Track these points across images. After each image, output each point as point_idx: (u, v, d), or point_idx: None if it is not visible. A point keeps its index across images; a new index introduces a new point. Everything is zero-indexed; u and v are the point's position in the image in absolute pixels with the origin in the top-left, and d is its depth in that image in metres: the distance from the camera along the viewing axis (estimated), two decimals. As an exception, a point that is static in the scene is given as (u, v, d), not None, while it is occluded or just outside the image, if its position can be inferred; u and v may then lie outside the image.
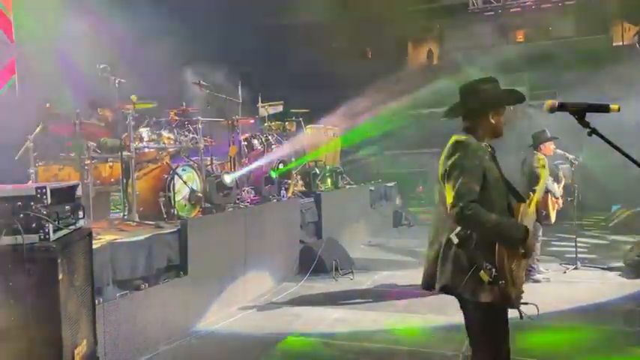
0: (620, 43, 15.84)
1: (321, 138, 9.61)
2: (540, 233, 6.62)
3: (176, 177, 5.93)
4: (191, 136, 6.68)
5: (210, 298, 5.56)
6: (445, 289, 2.75)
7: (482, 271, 2.59)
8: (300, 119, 9.08)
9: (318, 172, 9.01)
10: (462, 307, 2.83)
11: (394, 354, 4.62)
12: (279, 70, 13.26)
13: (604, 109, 2.52)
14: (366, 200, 10.60)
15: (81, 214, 3.30)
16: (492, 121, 2.85)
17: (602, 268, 7.18)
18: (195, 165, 6.39)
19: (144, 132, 6.13)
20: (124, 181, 5.79)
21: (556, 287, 6.40)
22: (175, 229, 5.30)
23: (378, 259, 8.41)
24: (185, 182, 6.05)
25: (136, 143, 5.91)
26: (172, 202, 5.83)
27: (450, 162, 2.71)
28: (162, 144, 6.30)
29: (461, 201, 2.58)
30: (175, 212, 5.83)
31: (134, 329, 4.50)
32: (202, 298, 5.44)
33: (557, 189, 6.67)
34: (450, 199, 2.64)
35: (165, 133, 6.40)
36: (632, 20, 16.48)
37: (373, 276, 7.22)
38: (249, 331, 5.26)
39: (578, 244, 7.34)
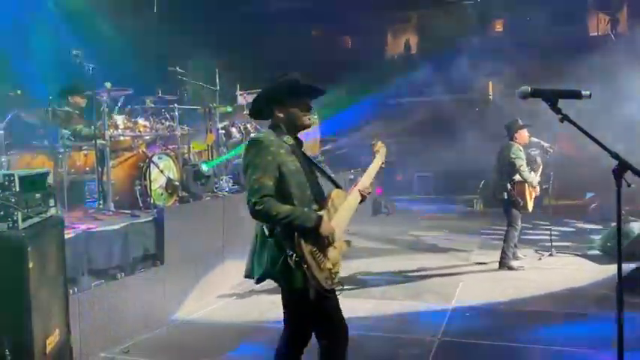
0: (596, 34, 16.05)
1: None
2: (519, 222, 6.71)
3: (152, 165, 5.85)
4: (167, 123, 6.60)
5: (188, 287, 5.53)
6: (262, 278, 2.89)
7: (288, 258, 2.73)
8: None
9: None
10: (282, 293, 3.00)
11: (370, 340, 4.65)
12: (258, 58, 13.14)
13: (576, 95, 2.55)
14: (345, 189, 10.57)
15: (52, 202, 3.24)
16: (281, 115, 2.93)
17: (576, 255, 7.32)
18: (172, 153, 6.32)
19: (119, 119, 6.03)
20: (99, 169, 5.70)
21: (531, 274, 6.51)
22: (152, 218, 5.26)
23: (356, 246, 8.41)
24: (161, 171, 5.98)
25: (111, 131, 5.81)
26: (148, 190, 5.76)
27: (245, 161, 2.84)
28: (137, 132, 6.21)
29: (253, 197, 2.70)
30: (152, 201, 5.76)
31: (110, 319, 4.45)
32: (180, 287, 5.41)
33: (534, 177, 6.75)
34: (246, 195, 2.77)
35: (141, 121, 6.30)
36: (607, 11, 16.69)
37: (350, 263, 7.23)
38: (227, 319, 5.25)
39: (553, 232, 7.47)
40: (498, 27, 19.48)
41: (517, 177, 6.56)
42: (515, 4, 15.76)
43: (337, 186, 3.12)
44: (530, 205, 6.72)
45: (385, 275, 6.50)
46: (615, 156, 2.49)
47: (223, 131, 7.58)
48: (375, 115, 14.92)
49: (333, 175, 3.08)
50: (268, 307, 5.52)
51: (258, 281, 2.91)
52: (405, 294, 5.70)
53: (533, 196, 6.78)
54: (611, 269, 6.41)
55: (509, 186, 6.55)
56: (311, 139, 9.93)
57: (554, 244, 7.37)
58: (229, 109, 7.95)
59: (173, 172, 6.15)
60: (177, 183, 6.14)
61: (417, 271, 6.63)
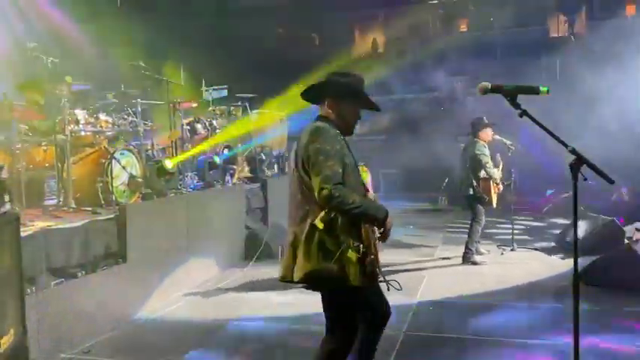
0: (556, 35, 16.48)
1: (268, 123, 9.51)
2: (483, 217, 6.84)
3: (114, 162, 5.73)
4: (130, 119, 6.47)
5: (152, 285, 5.44)
6: (308, 276, 2.72)
7: (350, 251, 2.67)
8: (246, 104, 8.94)
9: (264, 157, 8.93)
10: (325, 293, 2.93)
11: (337, 336, 4.67)
12: (224, 54, 13.01)
13: (534, 91, 2.61)
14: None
15: (7, 197, 3.13)
16: (331, 110, 2.92)
17: (537, 249, 7.51)
18: (135, 149, 6.20)
19: (80, 115, 5.87)
20: (59, 165, 5.54)
21: (493, 268, 6.64)
22: (113, 215, 5.14)
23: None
24: (124, 167, 5.86)
25: (72, 126, 5.66)
26: (110, 187, 5.64)
27: (311, 147, 2.73)
28: (99, 127, 6.06)
29: (328, 183, 2.61)
30: (114, 198, 5.64)
31: (70, 318, 4.33)
32: (143, 286, 5.31)
33: (499, 174, 6.90)
34: (317, 184, 2.65)
35: (102, 117, 6.15)
36: (567, 13, 17.15)
37: (318, 261, 7.25)
38: (192, 317, 5.18)
39: (515, 227, 7.64)
40: (463, 27, 19.81)
41: (482, 173, 6.70)
42: (480, 4, 16.06)
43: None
44: (494, 201, 6.86)
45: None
46: (572, 151, 2.56)
47: (188, 127, 7.48)
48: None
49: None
50: (232, 304, 5.49)
51: (304, 280, 2.74)
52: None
53: (497, 192, 6.93)
54: (570, 262, 6.56)
55: (474, 182, 6.69)
56: (278, 135, 9.91)
57: (515, 239, 7.54)
58: (195, 104, 7.85)
59: (136, 169, 6.04)
60: (140, 180, 6.02)
61: (382, 266, 6.65)
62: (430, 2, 16.62)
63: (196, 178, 7.27)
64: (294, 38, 18.54)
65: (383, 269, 2.87)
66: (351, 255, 2.66)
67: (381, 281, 2.84)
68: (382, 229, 2.78)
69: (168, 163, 6.45)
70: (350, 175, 2.78)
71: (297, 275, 2.73)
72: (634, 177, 9.73)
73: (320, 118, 2.94)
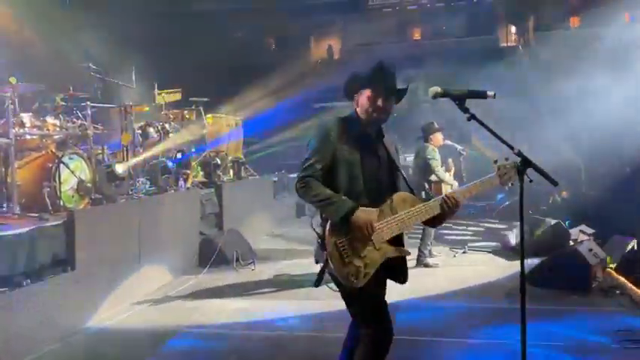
0: (505, 44, 17.05)
1: (223, 127, 9.42)
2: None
3: (62, 166, 5.55)
4: (79, 122, 6.28)
5: (102, 294, 5.27)
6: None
7: (332, 247, 2.75)
8: (201, 108, 8.82)
9: (219, 162, 8.84)
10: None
11: (292, 340, 4.66)
12: (179, 58, 12.83)
13: (481, 95, 2.70)
14: (269, 191, 10.58)
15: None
16: (354, 102, 2.96)
17: (488, 252, 7.71)
18: (85, 153, 6.02)
19: (25, 117, 5.66)
20: (3, 170, 5.33)
21: (446, 270, 6.78)
22: (61, 222, 4.97)
23: (281, 249, 8.43)
24: (72, 172, 5.68)
25: (16, 129, 5.45)
26: (58, 192, 5.45)
27: (307, 141, 2.92)
28: (46, 131, 5.86)
29: (300, 173, 2.80)
30: (62, 204, 5.46)
31: (15, 329, 4.16)
32: (92, 294, 5.14)
33: (449, 177, 7.06)
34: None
35: (50, 120, 5.96)
36: (516, 23, 17.78)
37: (275, 265, 7.23)
38: (143, 325, 5.05)
39: (467, 230, 7.83)
40: (416, 35, 20.24)
41: (433, 177, 6.85)
42: (433, 14, 16.44)
43: (411, 191, 2.98)
44: (446, 204, 6.99)
45: (310, 276, 6.46)
46: (518, 153, 2.65)
47: (140, 131, 7.32)
48: (298, 119, 14.99)
49: (407, 179, 3.00)
50: (185, 312, 5.39)
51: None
52: (329, 293, 5.70)
53: (449, 196, 7.08)
54: (517, 264, 6.81)
55: (426, 185, 6.83)
56: (234, 139, 9.83)
57: (467, 241, 7.73)
58: (147, 108, 7.69)
59: (85, 173, 5.87)
60: (89, 184, 5.86)
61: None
62: (385, 10, 16.89)
63: (148, 182, 7.11)
64: (250, 43, 18.46)
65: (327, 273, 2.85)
66: (333, 251, 2.72)
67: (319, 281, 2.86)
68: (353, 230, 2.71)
69: (119, 168, 6.29)
70: (339, 172, 2.81)
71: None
72: (576, 181, 10.17)
73: (350, 112, 3.01)
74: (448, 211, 2.89)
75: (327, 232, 2.73)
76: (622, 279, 6.13)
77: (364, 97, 2.89)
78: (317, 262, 2.89)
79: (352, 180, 2.84)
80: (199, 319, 5.17)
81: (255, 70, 13.73)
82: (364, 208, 2.74)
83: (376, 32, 17.40)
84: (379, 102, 2.86)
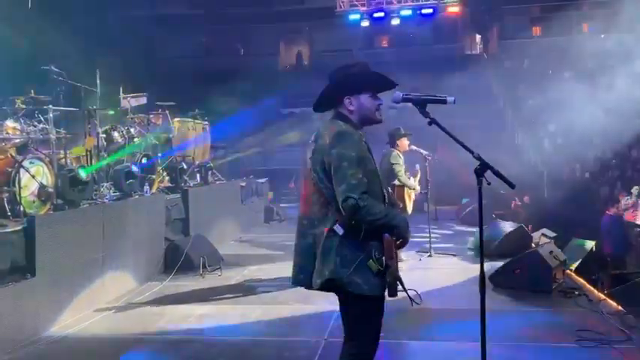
0: (470, 52, 17.48)
1: (189, 132, 9.33)
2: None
3: (22, 170, 5.40)
4: (41, 126, 6.13)
5: (63, 301, 5.15)
6: (328, 284, 2.64)
7: (370, 261, 2.59)
8: (167, 112, 8.72)
9: (185, 167, 8.74)
10: (342, 299, 2.77)
11: (259, 345, 4.65)
12: (145, 62, 12.69)
13: (442, 101, 2.77)
14: (237, 196, 10.52)
15: None
16: (352, 107, 2.77)
17: (453, 255, 7.83)
18: (46, 158, 5.88)
19: (-18, 121, 5.51)
20: (-41, 175, 5.16)
21: (412, 274, 6.85)
22: (20, 228, 4.84)
23: (248, 254, 8.39)
24: (33, 176, 5.54)
25: (-27, 133, 5.30)
26: (18, 198, 5.31)
27: (333, 152, 2.62)
28: (5, 134, 5.71)
29: (354, 192, 2.51)
30: (22, 209, 5.32)
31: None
32: (54, 301, 5.02)
33: (413, 182, 7.17)
34: (341, 192, 2.54)
35: (9, 123, 5.80)
36: (481, 32, 18.25)
37: (242, 271, 7.19)
38: (106, 333, 4.96)
39: (432, 234, 7.95)
40: (384, 42, 20.51)
41: (397, 181, 6.95)
42: (400, 21, 16.70)
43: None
44: (409, 208, 7.13)
45: (277, 281, 6.51)
46: (477, 157, 2.73)
47: (104, 135, 7.19)
48: (266, 124, 15.00)
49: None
50: (149, 319, 5.31)
51: (321, 287, 2.65)
52: (295, 298, 5.74)
53: (412, 200, 7.20)
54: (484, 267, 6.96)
55: (389, 190, 6.92)
56: (201, 144, 9.74)
57: (433, 245, 7.84)
58: (112, 112, 7.56)
59: (46, 178, 5.73)
60: (51, 189, 5.72)
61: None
62: (353, 18, 17.12)
63: (112, 187, 6.98)
64: (219, 48, 18.41)
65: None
66: (371, 265, 2.58)
67: (400, 291, 2.74)
68: (402, 240, 2.68)
69: (83, 173, 6.15)
70: (372, 182, 2.67)
71: (316, 282, 2.67)
72: (538, 186, 10.46)
73: (339, 116, 2.79)
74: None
75: (391, 248, 2.61)
76: (581, 280, 6.35)
77: (364, 97, 2.78)
78: (334, 278, 2.63)
79: (376, 187, 2.74)
80: (164, 326, 5.11)
81: (223, 75, 13.68)
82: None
83: (344, 39, 17.57)
84: (380, 101, 2.82)
